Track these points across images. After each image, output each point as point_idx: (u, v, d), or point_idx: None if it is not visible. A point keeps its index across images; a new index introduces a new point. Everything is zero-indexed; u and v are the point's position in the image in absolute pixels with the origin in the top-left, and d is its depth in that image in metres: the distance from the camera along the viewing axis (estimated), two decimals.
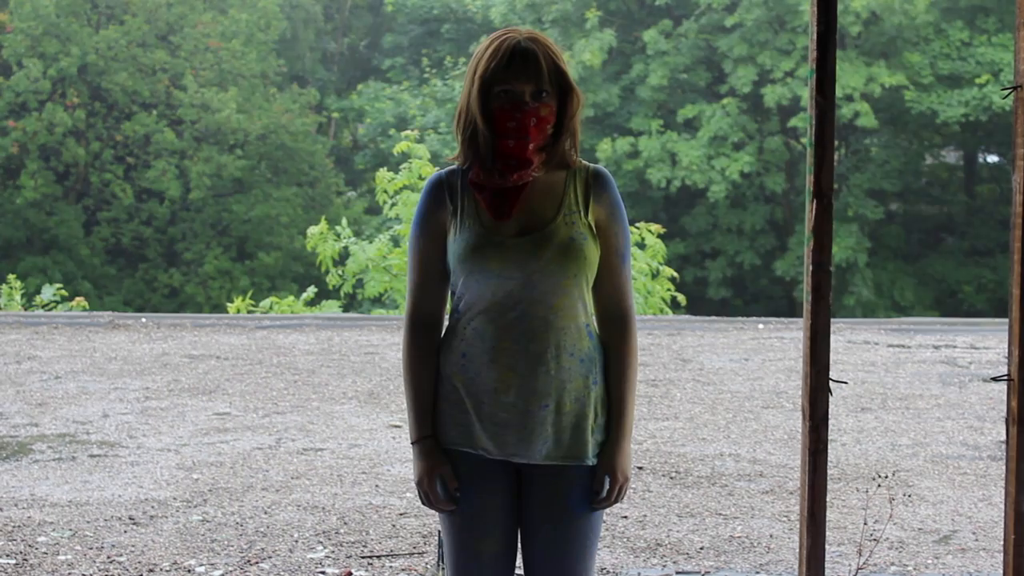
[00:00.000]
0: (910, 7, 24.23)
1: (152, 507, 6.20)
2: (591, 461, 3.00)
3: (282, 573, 5.22)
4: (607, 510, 3.04)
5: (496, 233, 2.96)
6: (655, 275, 15.09)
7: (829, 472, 6.67)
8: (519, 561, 3.11)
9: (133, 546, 5.55)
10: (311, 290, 16.49)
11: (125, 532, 5.78)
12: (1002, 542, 3.31)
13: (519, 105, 2.92)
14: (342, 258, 15.19)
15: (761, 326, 13.14)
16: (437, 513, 3.10)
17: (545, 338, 2.94)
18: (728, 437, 7.98)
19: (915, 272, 26.12)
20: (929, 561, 5.51)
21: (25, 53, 25.55)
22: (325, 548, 5.56)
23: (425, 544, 5.63)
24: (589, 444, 2.99)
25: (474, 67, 2.96)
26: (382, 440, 7.80)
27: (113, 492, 6.49)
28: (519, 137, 2.94)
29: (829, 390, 3.24)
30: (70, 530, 5.81)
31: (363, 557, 5.45)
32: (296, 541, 5.65)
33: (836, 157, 3.34)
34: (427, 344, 3.03)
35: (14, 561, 5.33)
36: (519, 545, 3.08)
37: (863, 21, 24.58)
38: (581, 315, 2.98)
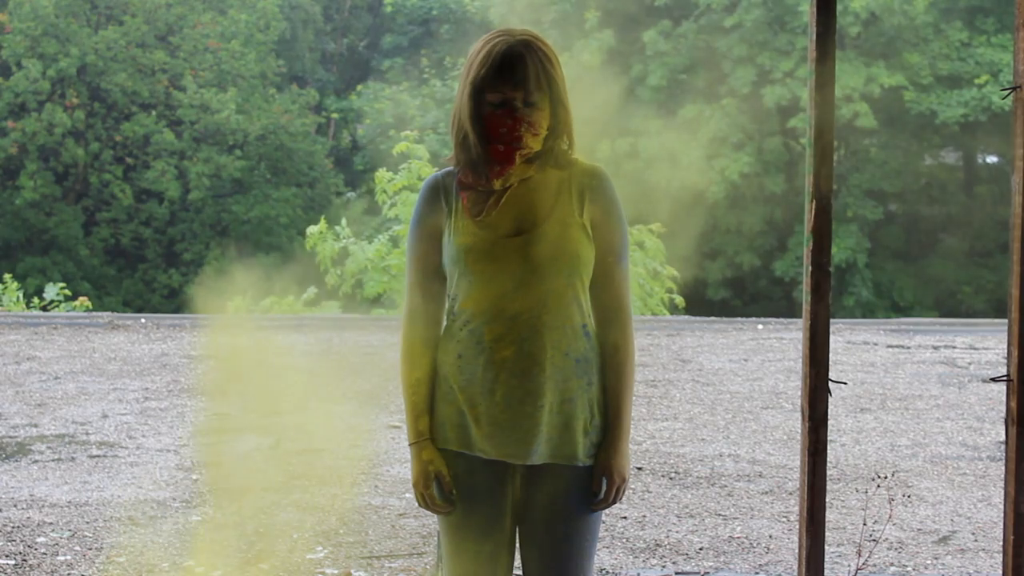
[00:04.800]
0: (909, 8, 24.24)
1: (151, 508, 6.20)
2: (583, 461, 2.99)
3: (281, 574, 5.22)
4: (607, 510, 3.04)
5: (490, 234, 2.96)
6: (654, 276, 15.10)
7: (828, 473, 6.67)
8: (518, 561, 3.11)
9: (132, 547, 5.55)
10: (311, 290, 16.49)
11: (124, 533, 5.78)
12: (1001, 542, 3.31)
13: (510, 112, 2.93)
14: (341, 258, 15.19)
15: (760, 327, 13.13)
16: (435, 514, 3.10)
17: (540, 339, 2.94)
18: (727, 438, 7.98)
19: (914, 273, 26.12)
20: (928, 562, 5.51)
21: (24, 54, 25.54)
22: (324, 549, 5.55)
23: (424, 545, 5.63)
24: (581, 444, 2.99)
25: (466, 72, 2.97)
26: (381, 441, 7.80)
27: (112, 493, 6.49)
28: (510, 142, 2.94)
29: (828, 390, 3.24)
30: (69, 531, 5.81)
31: (362, 558, 5.45)
32: (295, 541, 5.65)
33: (835, 157, 3.33)
34: (424, 345, 3.03)
35: (13, 562, 5.33)
36: (518, 546, 3.08)
37: (862, 21, 24.58)
38: (577, 315, 2.98)
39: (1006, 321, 3.23)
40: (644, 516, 6.17)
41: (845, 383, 3.79)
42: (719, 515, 6.20)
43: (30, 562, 5.33)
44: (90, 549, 5.53)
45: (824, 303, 3.23)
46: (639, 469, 7.12)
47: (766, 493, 6.63)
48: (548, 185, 3.00)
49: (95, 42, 25.93)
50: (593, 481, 3.01)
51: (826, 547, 4.07)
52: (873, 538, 5.63)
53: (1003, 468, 3.21)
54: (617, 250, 3.02)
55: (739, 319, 13.93)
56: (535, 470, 3.00)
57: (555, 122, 2.97)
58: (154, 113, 26.48)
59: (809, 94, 3.23)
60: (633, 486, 6.70)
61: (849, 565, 5.34)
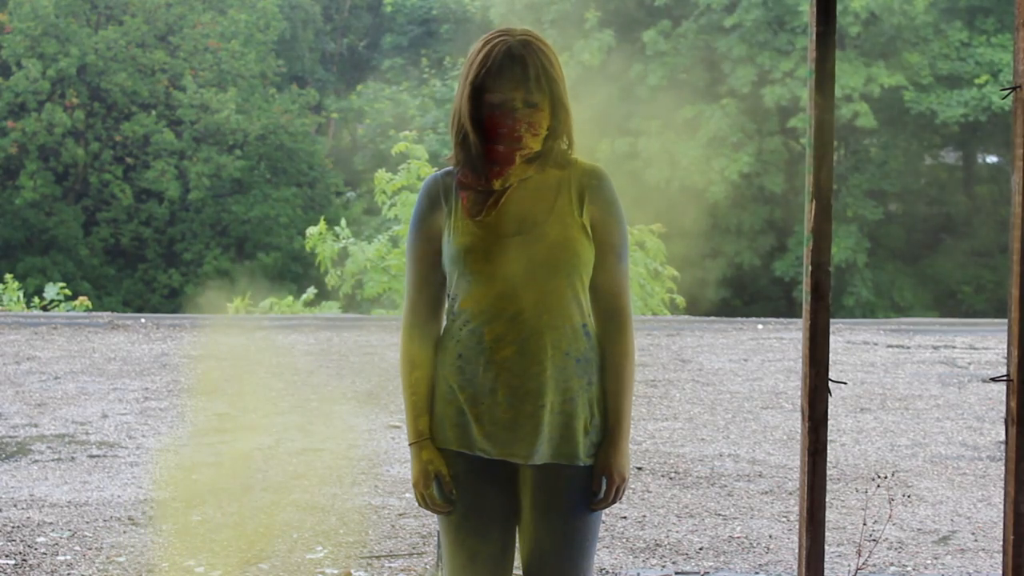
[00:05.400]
0: (909, 7, 24.24)
1: (151, 507, 6.20)
2: (583, 460, 3.00)
3: (281, 574, 5.22)
4: (606, 510, 3.04)
5: (489, 234, 2.96)
6: (654, 276, 15.09)
7: (828, 472, 6.67)
8: (517, 561, 3.11)
9: (132, 546, 5.55)
10: (311, 291, 16.50)
11: (124, 532, 5.78)
12: (1001, 542, 3.31)
13: (510, 112, 2.93)
14: (341, 258, 15.19)
15: (760, 326, 13.13)
16: (435, 514, 3.10)
17: (540, 338, 2.94)
18: (727, 438, 7.99)
19: (914, 272, 26.12)
20: (928, 562, 5.51)
21: (24, 53, 25.54)
22: (324, 549, 5.56)
23: (424, 545, 5.63)
24: (581, 444, 2.99)
25: (466, 72, 2.96)
26: (381, 440, 7.80)
27: (112, 492, 6.49)
28: (510, 143, 2.94)
29: (828, 390, 3.24)
30: (69, 530, 5.81)
31: (362, 558, 5.45)
32: (295, 541, 5.65)
33: (835, 157, 3.33)
34: (424, 345, 3.03)
35: (13, 562, 5.33)
36: (517, 546, 3.08)
37: (862, 21, 24.58)
38: (576, 315, 2.98)
39: (1006, 321, 3.23)
40: (644, 516, 6.17)
41: (845, 383, 3.79)
42: (719, 515, 6.20)
43: (30, 562, 5.33)
44: (90, 549, 5.53)
45: (824, 303, 3.23)
46: (639, 469, 7.12)
47: (766, 493, 6.63)
48: (548, 185, 3.00)
49: (95, 42, 25.93)
50: (593, 481, 3.01)
51: (826, 547, 4.08)
52: (873, 538, 5.63)
53: (1003, 468, 3.21)
54: (617, 250, 3.02)
55: (739, 319, 13.93)
56: (535, 470, 3.00)
57: (555, 122, 2.97)
58: (154, 113, 26.48)
59: (809, 94, 3.23)
60: (633, 486, 6.71)
61: (849, 565, 5.34)
